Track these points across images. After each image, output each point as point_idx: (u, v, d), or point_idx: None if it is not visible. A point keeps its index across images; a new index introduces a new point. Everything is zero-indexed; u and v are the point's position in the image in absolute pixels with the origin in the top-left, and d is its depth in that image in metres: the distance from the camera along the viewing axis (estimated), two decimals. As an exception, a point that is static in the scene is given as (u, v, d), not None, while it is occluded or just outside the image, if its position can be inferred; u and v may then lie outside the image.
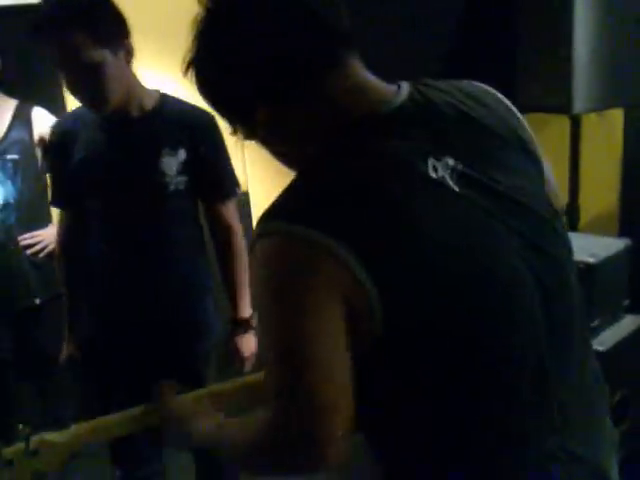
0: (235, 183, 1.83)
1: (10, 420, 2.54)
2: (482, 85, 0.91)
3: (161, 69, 2.50)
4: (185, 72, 0.88)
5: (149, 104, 1.66)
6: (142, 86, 1.67)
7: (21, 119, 2.39)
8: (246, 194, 2.80)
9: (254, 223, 3.07)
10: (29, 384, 2.71)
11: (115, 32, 1.53)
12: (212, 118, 1.63)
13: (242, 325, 1.82)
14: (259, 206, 2.83)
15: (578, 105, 2.02)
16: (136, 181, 1.66)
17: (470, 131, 0.82)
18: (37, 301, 2.50)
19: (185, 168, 1.64)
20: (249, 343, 1.83)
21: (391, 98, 0.81)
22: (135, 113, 1.65)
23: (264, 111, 0.83)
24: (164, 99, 1.69)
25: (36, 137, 2.41)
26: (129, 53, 1.57)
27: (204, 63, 0.85)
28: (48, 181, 2.49)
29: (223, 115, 0.91)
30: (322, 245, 0.68)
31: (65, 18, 1.46)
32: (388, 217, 0.71)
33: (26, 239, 2.44)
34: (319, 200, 0.74)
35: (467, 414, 0.75)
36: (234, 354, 1.81)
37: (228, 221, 1.77)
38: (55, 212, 2.54)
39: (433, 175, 0.74)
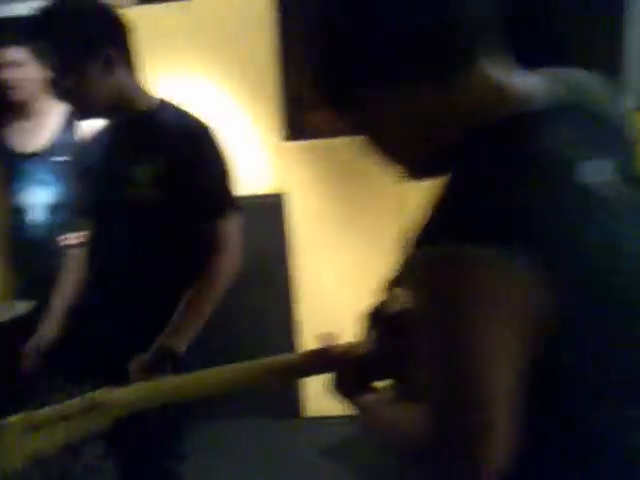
0: (227, 204, 1.57)
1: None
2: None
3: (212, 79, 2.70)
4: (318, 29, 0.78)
5: (142, 110, 1.55)
6: (140, 94, 1.56)
7: (70, 123, 2.47)
8: (279, 196, 2.77)
9: (290, 227, 2.98)
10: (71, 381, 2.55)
11: (82, 45, 1.44)
12: (202, 128, 1.53)
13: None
14: (297, 209, 2.78)
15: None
16: (109, 191, 1.59)
17: (608, 128, 0.78)
18: None
19: (162, 180, 1.49)
20: None
21: (535, 94, 0.73)
22: (124, 123, 1.58)
23: (393, 93, 0.74)
24: (160, 108, 1.57)
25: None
26: (110, 62, 1.46)
27: (348, 20, 0.73)
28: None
29: (340, 93, 0.80)
30: (513, 268, 0.63)
31: (39, 27, 1.50)
32: (569, 223, 0.67)
33: (70, 238, 2.45)
34: (506, 218, 0.66)
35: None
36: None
37: (215, 240, 1.54)
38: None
39: (591, 179, 0.70)
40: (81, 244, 1.80)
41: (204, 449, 2.15)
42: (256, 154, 2.77)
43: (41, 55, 2.34)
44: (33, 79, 2.40)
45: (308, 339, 2.82)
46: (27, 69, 2.37)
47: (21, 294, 2.47)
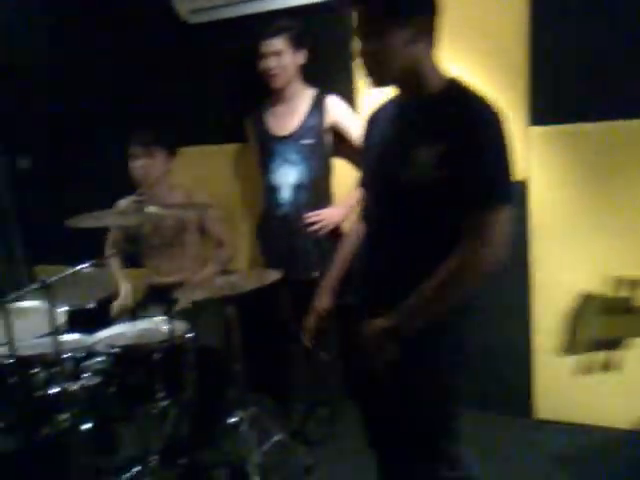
0: (493, 194, 1.45)
1: (284, 376, 2.60)
2: None
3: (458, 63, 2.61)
4: None
5: (432, 92, 1.48)
6: (434, 71, 1.49)
7: (317, 107, 2.63)
8: (522, 183, 2.59)
9: (532, 216, 2.80)
10: (300, 348, 2.76)
11: (406, 6, 1.40)
12: (488, 114, 1.43)
13: None
14: (539, 196, 2.58)
15: None
16: (390, 171, 1.53)
17: None
18: (315, 274, 2.59)
19: (443, 162, 1.42)
20: None
21: None
22: (414, 101, 1.51)
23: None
24: (449, 88, 1.48)
25: (328, 123, 2.63)
26: (421, 31, 1.42)
27: None
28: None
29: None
30: None
31: None
32: None
33: (311, 217, 2.60)
34: None
35: None
36: None
37: (481, 230, 1.43)
38: (336, 193, 2.74)
39: None
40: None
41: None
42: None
43: (296, 43, 2.57)
44: (290, 67, 2.59)
45: (543, 328, 2.62)
46: (286, 57, 2.56)
47: (268, 266, 2.71)
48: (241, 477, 2.19)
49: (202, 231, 2.79)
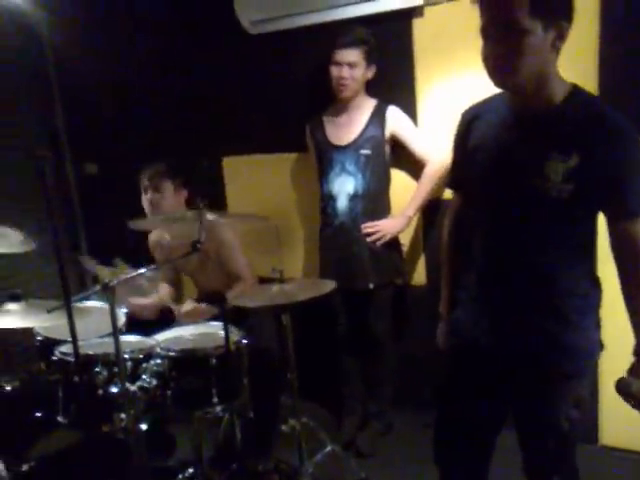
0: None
1: (337, 387, 2.59)
2: None
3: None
4: None
5: (556, 99, 1.44)
6: (558, 79, 1.45)
7: (377, 117, 2.62)
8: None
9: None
10: (354, 359, 2.76)
11: (555, 7, 1.36)
12: (626, 130, 1.40)
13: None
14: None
15: None
16: (514, 180, 1.50)
17: None
18: (371, 286, 2.58)
19: (573, 176, 1.40)
20: None
21: None
22: (537, 107, 1.46)
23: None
24: (573, 95, 1.44)
25: (387, 134, 2.62)
26: (560, 37, 1.37)
27: None
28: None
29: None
30: None
31: None
32: None
33: (368, 227, 2.59)
34: None
35: None
36: None
37: (632, 243, 1.47)
38: (394, 204, 2.72)
39: None
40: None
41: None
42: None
43: (369, 57, 2.56)
44: (360, 80, 2.59)
45: (610, 353, 2.49)
46: (359, 70, 2.56)
47: (323, 275, 2.70)
48: (292, 486, 2.19)
49: (220, 264, 2.68)
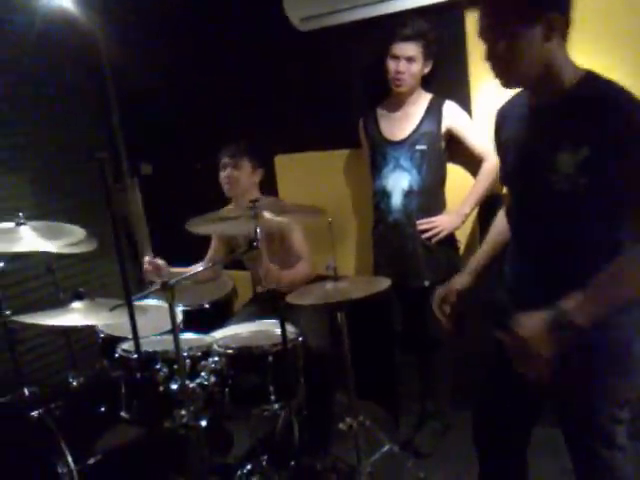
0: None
1: (394, 385, 2.56)
2: None
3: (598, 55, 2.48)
4: None
5: (566, 89, 1.40)
6: (568, 67, 1.41)
7: (433, 112, 2.57)
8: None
9: None
10: (410, 358, 2.74)
11: (537, 3, 1.35)
12: (632, 108, 1.32)
13: None
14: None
15: None
16: (531, 174, 1.48)
17: None
18: (426, 283, 2.55)
19: (586, 168, 1.34)
20: None
21: None
22: (547, 98, 1.43)
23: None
24: (585, 82, 1.39)
25: (443, 129, 2.56)
26: (551, 29, 1.34)
27: None
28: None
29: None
30: None
31: None
32: None
33: (423, 224, 2.55)
34: None
35: None
36: None
37: None
38: (450, 200, 2.66)
39: None
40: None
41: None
42: None
43: (428, 52, 2.50)
44: (418, 75, 2.55)
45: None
46: (417, 65, 2.51)
47: (378, 272, 2.68)
48: (350, 485, 2.18)
49: (283, 244, 2.69)
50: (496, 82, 2.67)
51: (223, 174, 2.74)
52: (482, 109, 2.64)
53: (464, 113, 2.60)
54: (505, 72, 1.43)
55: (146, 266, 2.66)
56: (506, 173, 1.63)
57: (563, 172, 1.36)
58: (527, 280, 1.56)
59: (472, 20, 2.59)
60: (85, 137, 3.61)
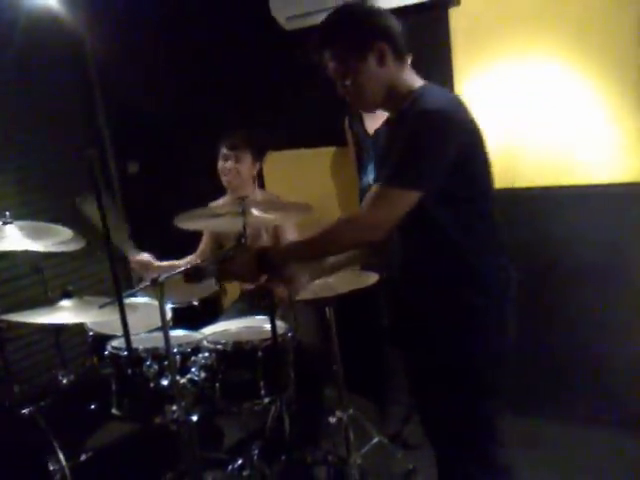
0: (396, 174, 1.48)
1: (382, 379, 2.59)
2: None
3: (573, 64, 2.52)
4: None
5: (404, 103, 1.55)
6: (406, 85, 1.57)
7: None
8: (636, 186, 2.44)
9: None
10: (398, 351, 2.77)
11: (356, 43, 1.55)
12: (424, 113, 1.47)
13: None
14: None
15: None
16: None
17: None
18: None
19: None
20: None
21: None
22: (394, 113, 1.63)
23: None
24: (415, 97, 1.53)
25: None
26: (382, 56, 1.53)
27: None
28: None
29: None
30: None
31: (319, 40, 1.64)
32: None
33: None
34: None
35: None
36: None
37: (368, 200, 1.53)
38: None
39: None
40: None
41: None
42: (613, 139, 2.48)
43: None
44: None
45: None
46: None
47: (366, 267, 2.70)
48: (341, 477, 2.20)
49: (275, 241, 2.72)
50: (480, 76, 2.75)
51: (224, 165, 2.72)
52: (466, 99, 2.67)
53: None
54: (358, 101, 1.63)
55: (132, 265, 2.65)
56: None
57: None
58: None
59: (456, 18, 2.64)
60: (71, 136, 3.60)
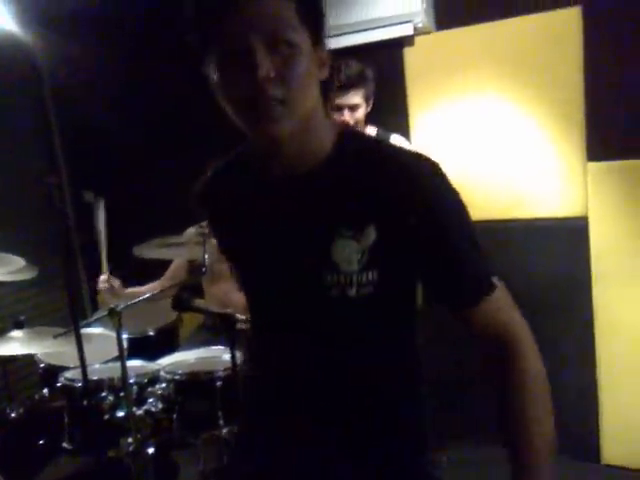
0: (484, 275, 1.00)
1: None
2: None
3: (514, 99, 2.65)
4: None
5: (326, 148, 0.99)
6: (324, 122, 1.02)
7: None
8: (585, 219, 2.58)
9: (592, 253, 2.74)
10: None
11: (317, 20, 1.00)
12: (434, 169, 0.99)
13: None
14: (599, 233, 2.54)
15: None
16: (300, 282, 1.02)
17: None
18: None
19: (376, 257, 0.96)
20: None
21: None
22: (306, 165, 0.99)
23: None
24: (345, 139, 1.01)
25: None
26: (323, 63, 1.01)
27: None
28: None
29: None
30: None
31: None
32: None
33: None
34: None
35: None
36: None
37: (488, 330, 1.01)
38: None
39: None
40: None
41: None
42: (558, 175, 2.62)
43: (368, 93, 2.44)
44: (361, 119, 2.45)
45: (609, 371, 2.56)
46: (360, 111, 2.41)
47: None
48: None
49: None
50: (434, 114, 2.87)
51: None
52: (421, 141, 2.78)
53: (410, 145, 2.67)
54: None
55: (101, 285, 2.58)
56: (249, 279, 1.15)
57: (343, 269, 0.97)
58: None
59: (410, 55, 2.76)
60: (26, 163, 3.52)
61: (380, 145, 1.07)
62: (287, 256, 1.01)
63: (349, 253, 0.96)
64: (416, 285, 1.07)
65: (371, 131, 2.67)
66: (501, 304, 1.01)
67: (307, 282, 1.00)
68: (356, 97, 2.38)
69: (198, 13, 0.93)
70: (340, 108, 2.39)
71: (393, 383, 1.07)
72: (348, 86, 2.36)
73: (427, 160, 0.99)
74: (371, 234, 0.95)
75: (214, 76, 0.95)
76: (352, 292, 0.97)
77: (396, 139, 2.64)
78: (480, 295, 0.98)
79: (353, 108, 2.39)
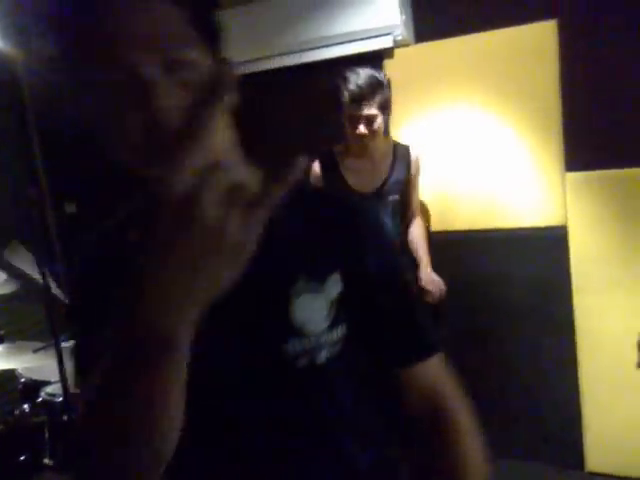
0: (434, 330, 0.91)
1: None
2: None
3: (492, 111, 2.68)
4: None
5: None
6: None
7: (402, 159, 2.42)
8: (564, 228, 2.61)
9: (572, 262, 2.76)
10: None
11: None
12: (380, 215, 0.96)
13: None
14: (579, 243, 2.58)
15: None
16: (252, 342, 0.79)
17: None
18: None
19: (343, 310, 0.82)
20: None
21: None
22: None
23: None
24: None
25: (410, 178, 2.46)
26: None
27: None
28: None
29: None
30: None
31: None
32: None
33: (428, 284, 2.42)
34: None
35: None
36: None
37: (431, 388, 0.87)
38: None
39: None
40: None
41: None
42: (538, 185, 2.66)
43: (387, 105, 2.28)
44: (380, 129, 2.31)
45: (592, 379, 2.59)
46: (378, 121, 2.27)
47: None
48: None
49: None
50: (413, 126, 2.89)
51: None
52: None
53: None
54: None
55: None
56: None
57: (307, 329, 0.79)
58: None
59: (390, 67, 2.78)
60: (6, 175, 3.49)
61: (319, 191, 1.00)
62: (236, 329, 0.77)
63: (311, 308, 0.78)
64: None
65: (387, 142, 2.46)
66: (443, 367, 0.89)
67: (265, 355, 0.78)
68: (371, 108, 2.21)
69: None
70: (355, 121, 2.24)
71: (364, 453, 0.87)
72: (360, 97, 2.19)
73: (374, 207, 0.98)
74: (335, 285, 0.81)
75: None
76: (322, 357, 0.79)
77: (417, 154, 2.49)
78: (435, 349, 0.87)
79: (369, 119, 2.23)
